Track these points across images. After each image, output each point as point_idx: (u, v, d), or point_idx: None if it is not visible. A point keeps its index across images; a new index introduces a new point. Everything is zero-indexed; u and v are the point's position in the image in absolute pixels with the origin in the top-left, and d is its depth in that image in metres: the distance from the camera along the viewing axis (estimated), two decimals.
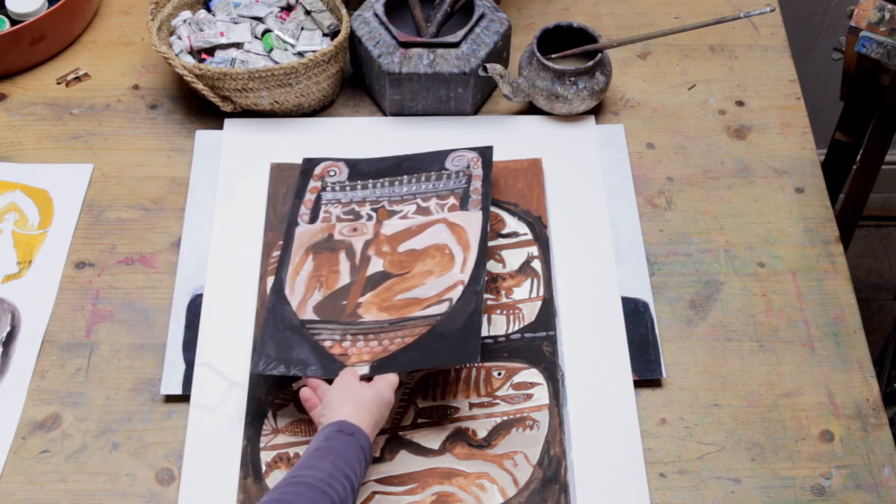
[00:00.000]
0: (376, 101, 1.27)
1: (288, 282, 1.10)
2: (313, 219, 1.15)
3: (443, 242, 1.11)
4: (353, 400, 0.95)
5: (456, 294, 1.06)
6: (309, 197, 1.17)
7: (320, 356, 1.03)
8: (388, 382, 0.98)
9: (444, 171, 1.18)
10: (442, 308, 1.05)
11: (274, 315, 1.07)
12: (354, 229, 1.14)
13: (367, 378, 0.99)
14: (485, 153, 1.19)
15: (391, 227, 1.14)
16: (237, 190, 1.19)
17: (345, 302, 1.08)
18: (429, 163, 1.19)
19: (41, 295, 1.10)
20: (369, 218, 1.15)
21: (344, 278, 1.10)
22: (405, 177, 1.18)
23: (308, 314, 1.07)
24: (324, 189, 1.18)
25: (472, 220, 1.13)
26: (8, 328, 1.04)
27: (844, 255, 1.16)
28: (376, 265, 1.10)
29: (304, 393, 0.98)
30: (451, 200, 1.15)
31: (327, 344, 1.04)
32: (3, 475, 1.00)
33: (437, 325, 1.03)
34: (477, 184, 1.16)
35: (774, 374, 1.07)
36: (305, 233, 1.14)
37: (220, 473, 1.00)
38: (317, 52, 1.19)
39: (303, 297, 1.08)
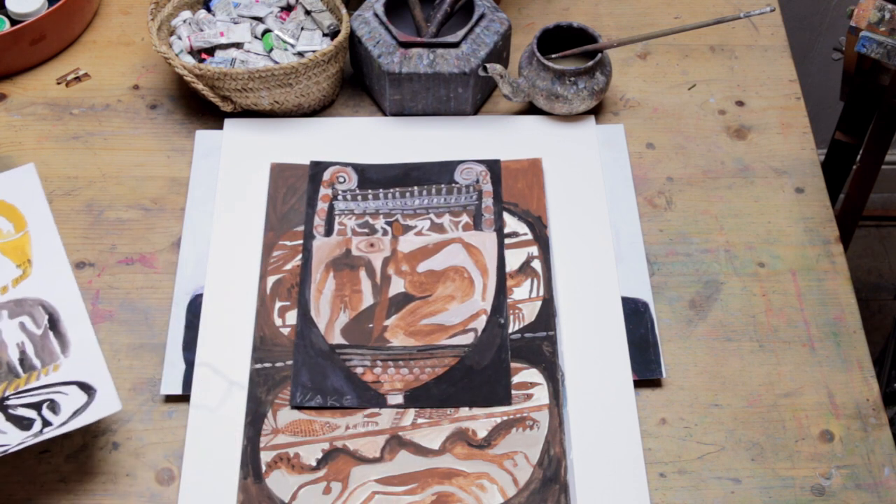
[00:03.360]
0: (376, 101, 1.28)
1: (312, 302, 1.10)
2: (329, 231, 1.15)
3: (461, 265, 1.13)
4: None
5: (480, 324, 1.08)
6: (321, 206, 1.17)
7: (354, 384, 1.04)
8: None
9: (454, 185, 1.19)
10: (468, 339, 1.07)
11: (304, 340, 1.07)
12: (371, 245, 1.14)
13: None
14: (493, 167, 1.19)
15: (407, 243, 1.14)
16: (237, 190, 1.19)
17: (371, 325, 1.08)
18: (437, 174, 1.20)
19: (58, 281, 1.07)
20: (384, 232, 1.15)
21: (367, 299, 1.10)
22: (415, 188, 1.19)
23: (336, 338, 1.07)
24: (335, 198, 1.18)
25: (487, 242, 1.14)
26: (46, 316, 1.04)
27: (844, 255, 1.16)
28: (397, 285, 1.11)
29: None
30: (465, 218, 1.16)
31: (359, 371, 1.05)
32: (3, 475, 1.00)
33: (466, 357, 1.06)
34: (488, 201, 1.17)
35: (774, 374, 1.07)
36: (323, 247, 1.14)
37: (220, 473, 1.00)
38: (317, 52, 1.19)
39: (329, 320, 1.09)
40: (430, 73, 1.20)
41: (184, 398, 1.05)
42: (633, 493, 0.99)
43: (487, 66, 1.19)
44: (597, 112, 1.27)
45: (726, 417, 1.04)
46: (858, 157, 1.42)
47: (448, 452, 1.01)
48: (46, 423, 0.96)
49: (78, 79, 1.30)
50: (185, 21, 1.27)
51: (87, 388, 0.98)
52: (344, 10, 1.24)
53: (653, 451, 1.02)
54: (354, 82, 1.30)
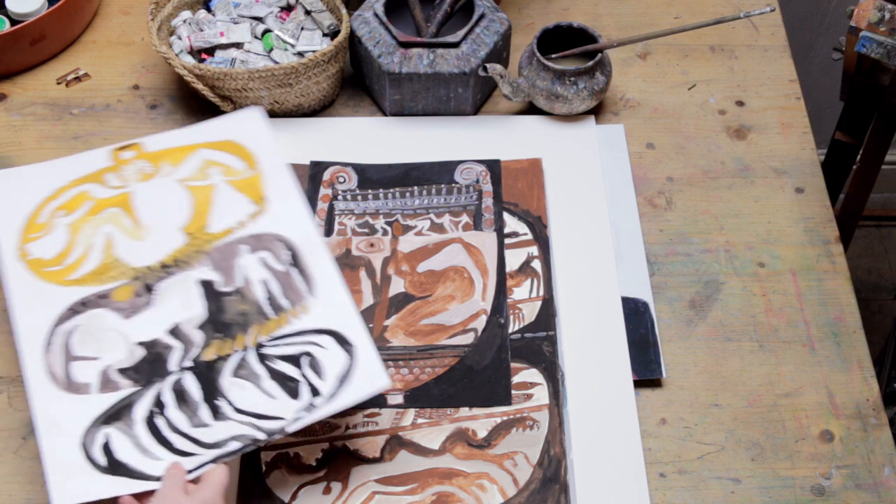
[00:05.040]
0: (376, 101, 1.27)
1: None
2: (328, 231, 1.15)
3: (460, 265, 1.13)
4: None
5: (480, 324, 1.09)
6: (321, 206, 1.17)
7: None
8: (213, 484, 0.89)
9: (454, 185, 1.19)
10: (468, 339, 1.08)
11: None
12: (371, 245, 1.14)
13: (193, 480, 0.92)
14: (493, 167, 1.19)
15: (408, 243, 1.14)
16: None
17: (371, 325, 1.09)
18: (437, 174, 1.20)
19: (294, 217, 1.07)
20: (384, 232, 1.15)
21: (367, 299, 1.11)
22: (415, 188, 1.19)
23: None
24: (335, 198, 1.18)
25: (487, 242, 1.14)
26: (289, 252, 1.03)
27: (844, 255, 1.16)
28: (397, 285, 1.12)
29: (125, 502, 0.90)
30: (465, 218, 1.16)
31: None
32: (3, 475, 1.00)
33: (466, 357, 1.07)
34: (488, 201, 1.17)
35: (774, 374, 1.07)
36: None
37: None
38: (317, 52, 1.19)
39: None
40: (430, 73, 1.20)
41: None
42: (633, 493, 0.99)
43: (487, 66, 1.19)
44: (597, 112, 1.27)
45: (726, 417, 1.04)
46: (858, 157, 1.42)
47: (448, 452, 1.01)
48: (315, 392, 0.95)
49: (78, 79, 1.30)
50: (185, 21, 1.27)
51: (342, 341, 0.98)
52: (344, 10, 1.24)
53: (653, 451, 1.02)
54: (354, 82, 1.30)
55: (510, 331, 1.08)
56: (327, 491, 0.99)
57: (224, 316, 1.01)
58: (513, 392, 1.05)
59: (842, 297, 1.13)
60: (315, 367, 0.97)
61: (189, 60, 1.24)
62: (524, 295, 1.11)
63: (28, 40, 1.27)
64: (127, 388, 0.97)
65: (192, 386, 0.97)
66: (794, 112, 1.28)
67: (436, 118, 1.25)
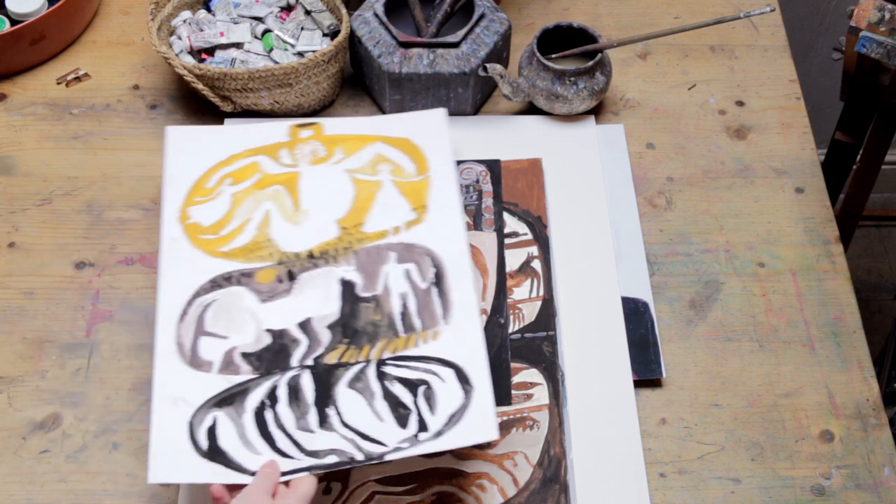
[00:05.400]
0: (376, 101, 1.27)
1: None
2: None
3: None
4: None
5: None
6: None
7: None
8: (300, 495, 0.87)
9: None
10: None
11: None
12: None
13: (284, 482, 0.90)
14: (493, 167, 1.19)
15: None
16: None
17: None
18: None
19: (449, 234, 1.05)
20: None
21: None
22: None
23: None
24: None
25: (487, 242, 1.14)
26: (434, 270, 1.01)
27: (844, 255, 1.16)
28: None
29: (215, 491, 0.88)
30: (465, 218, 1.16)
31: None
32: (3, 475, 1.00)
33: None
34: (488, 201, 1.16)
35: (774, 374, 1.07)
36: None
37: None
38: (317, 52, 1.19)
39: None
40: (430, 73, 1.20)
41: None
42: (633, 493, 0.99)
43: (487, 66, 1.19)
44: (597, 112, 1.27)
45: (726, 417, 1.05)
46: (858, 157, 1.42)
47: (448, 452, 1.01)
48: (422, 426, 0.93)
49: (78, 79, 1.30)
50: (185, 21, 1.27)
51: (463, 380, 0.95)
52: (344, 10, 1.24)
53: (653, 451, 1.02)
54: (354, 82, 1.30)
55: (510, 331, 1.08)
56: (327, 491, 0.99)
57: (356, 322, 0.99)
58: (513, 392, 1.04)
59: (842, 297, 1.13)
60: (429, 398, 0.94)
61: (189, 60, 1.24)
62: (524, 295, 1.11)
63: (28, 40, 1.27)
64: (246, 373, 0.96)
65: (308, 386, 0.95)
66: (794, 112, 1.28)
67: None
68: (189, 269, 1.02)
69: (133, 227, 1.17)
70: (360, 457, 0.91)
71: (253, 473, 0.90)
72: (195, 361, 0.96)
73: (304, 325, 0.99)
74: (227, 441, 0.92)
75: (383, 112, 1.26)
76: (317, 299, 1.00)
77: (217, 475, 0.90)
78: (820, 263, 1.15)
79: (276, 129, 1.13)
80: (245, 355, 0.97)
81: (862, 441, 1.03)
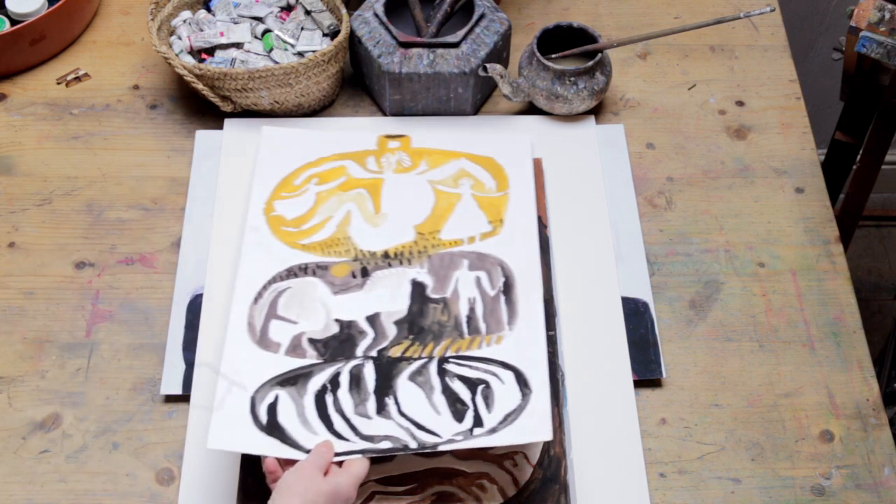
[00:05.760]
0: (376, 101, 1.27)
1: None
2: None
3: None
4: (304, 491, 0.87)
5: None
6: None
7: None
8: (351, 475, 0.91)
9: None
10: None
11: None
12: None
13: (337, 463, 0.93)
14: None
15: None
16: (237, 190, 1.19)
17: None
18: None
19: (522, 248, 1.10)
20: None
21: None
22: None
23: None
24: None
25: None
26: (503, 278, 1.06)
27: (844, 255, 1.16)
28: None
29: (269, 464, 0.92)
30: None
31: None
32: (3, 475, 1.00)
33: None
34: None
35: (774, 374, 1.07)
36: None
37: (220, 473, 1.00)
38: (317, 52, 1.19)
39: None
40: (430, 73, 1.20)
41: (184, 398, 1.05)
42: (633, 493, 0.99)
43: (487, 66, 1.19)
44: (597, 112, 1.27)
45: (726, 417, 1.04)
46: (858, 157, 1.42)
47: (448, 452, 1.01)
48: (477, 422, 0.96)
49: (78, 79, 1.30)
50: (185, 21, 1.27)
51: (523, 383, 0.99)
52: (344, 10, 1.24)
53: (653, 451, 1.02)
54: (354, 82, 1.30)
55: None
56: None
57: (423, 320, 1.04)
58: None
59: (842, 297, 1.13)
60: (487, 397, 0.98)
61: (189, 60, 1.24)
62: None
63: (28, 40, 1.27)
64: (312, 358, 1.00)
65: (370, 376, 1.00)
66: (794, 112, 1.28)
67: (436, 118, 1.25)
68: (267, 256, 1.08)
69: (133, 227, 1.17)
70: (413, 444, 0.95)
71: (308, 451, 0.93)
72: (264, 342, 1.01)
73: (372, 319, 1.04)
74: (287, 418, 0.96)
75: (384, 112, 1.26)
76: (387, 296, 1.05)
77: (273, 449, 0.94)
78: (820, 263, 1.15)
79: (366, 138, 1.20)
80: (312, 341, 1.02)
81: (862, 441, 1.03)
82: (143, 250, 1.15)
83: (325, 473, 0.91)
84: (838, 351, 1.09)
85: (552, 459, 1.00)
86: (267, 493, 0.98)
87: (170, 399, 1.05)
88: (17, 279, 1.13)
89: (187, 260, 1.14)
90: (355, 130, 1.22)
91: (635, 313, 1.10)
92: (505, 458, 1.01)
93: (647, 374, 1.06)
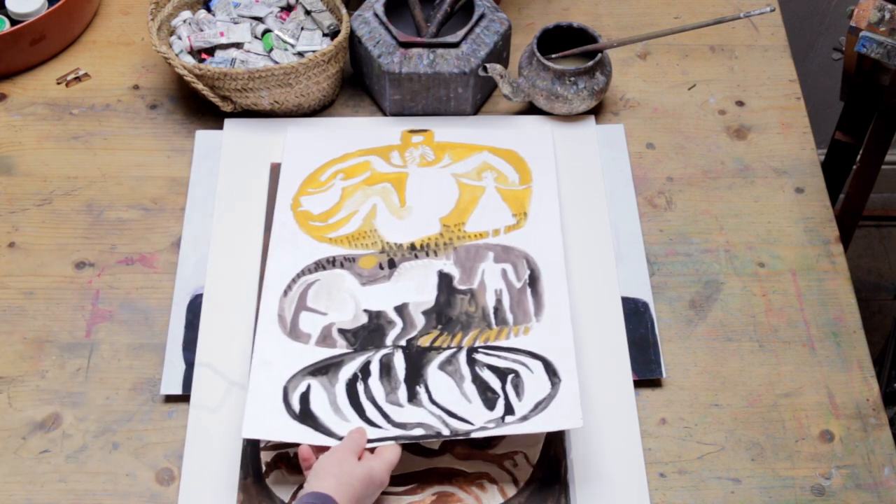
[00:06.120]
0: (376, 101, 1.27)
1: None
2: None
3: None
4: (339, 473, 0.90)
5: None
6: None
7: None
8: (384, 460, 0.93)
9: None
10: None
11: None
12: None
13: (369, 449, 0.95)
14: None
15: None
16: (237, 190, 1.19)
17: None
18: None
19: (546, 242, 1.11)
20: None
21: None
22: None
23: None
24: None
25: None
26: (528, 270, 1.07)
27: (844, 255, 1.16)
28: None
29: (303, 452, 0.94)
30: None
31: None
32: (3, 475, 1.00)
33: None
34: None
35: (774, 374, 1.07)
36: None
37: (220, 473, 1.00)
38: (317, 52, 1.19)
39: None
40: (430, 73, 1.20)
41: (184, 398, 1.05)
42: (633, 493, 0.99)
43: (487, 66, 1.19)
44: (597, 112, 1.27)
45: (726, 417, 1.04)
46: (858, 157, 1.42)
47: (448, 452, 1.01)
48: (509, 410, 0.98)
49: (78, 79, 1.30)
50: (185, 21, 1.27)
51: (552, 372, 1.00)
52: (344, 10, 1.24)
53: (653, 451, 1.02)
54: (354, 82, 1.30)
55: None
56: None
57: (451, 311, 1.05)
58: None
59: (842, 297, 1.13)
60: (517, 386, 1.00)
61: (189, 60, 1.24)
62: None
63: (28, 40, 1.27)
64: (342, 348, 1.02)
65: (400, 364, 1.01)
66: (794, 112, 1.28)
67: (436, 118, 1.25)
68: (296, 250, 1.10)
69: (133, 227, 1.17)
70: (445, 431, 0.96)
71: (340, 438, 0.95)
72: (294, 333, 1.03)
73: (401, 309, 1.05)
74: (319, 407, 0.98)
75: (384, 112, 1.26)
76: (414, 287, 1.07)
77: (306, 436, 0.96)
78: (820, 263, 1.15)
79: (390, 133, 1.21)
80: (342, 331, 1.04)
81: (862, 441, 1.03)
82: (143, 250, 1.15)
83: (359, 459, 0.93)
84: (838, 351, 1.09)
85: (552, 459, 1.00)
86: (267, 493, 0.99)
87: (170, 399, 1.05)
88: (17, 279, 1.13)
89: (187, 260, 1.14)
90: (380, 126, 1.24)
91: (635, 313, 1.10)
92: (505, 458, 1.01)
93: (647, 374, 1.06)
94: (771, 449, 1.03)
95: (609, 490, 0.99)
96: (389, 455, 0.94)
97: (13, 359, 1.07)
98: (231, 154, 1.22)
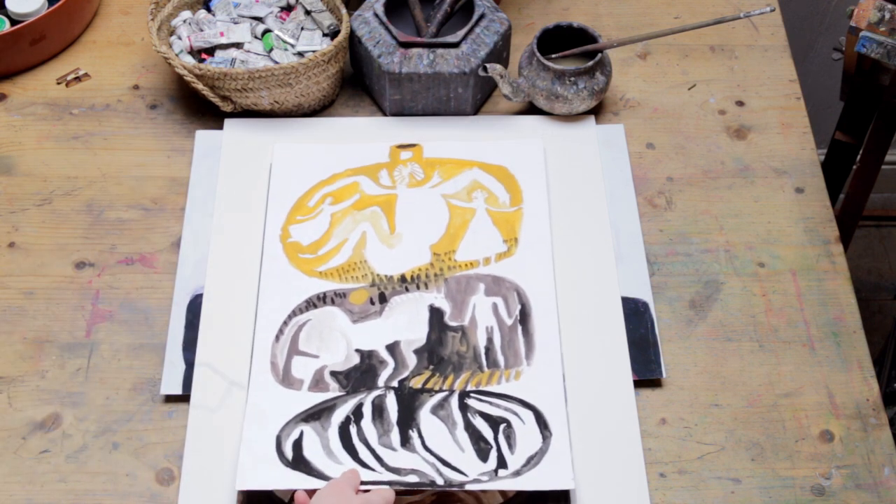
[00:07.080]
0: (376, 101, 1.27)
1: None
2: None
3: None
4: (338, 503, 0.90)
5: None
6: None
7: None
8: (382, 497, 0.92)
9: None
10: None
11: None
12: None
13: (363, 490, 0.95)
14: None
15: None
16: (237, 190, 1.19)
17: None
18: None
19: (537, 271, 1.10)
20: None
21: None
22: None
23: None
24: None
25: None
26: (519, 305, 1.05)
27: (844, 255, 1.16)
28: None
29: (300, 497, 0.93)
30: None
31: None
32: (3, 475, 1.00)
33: None
34: None
35: (774, 374, 1.07)
36: None
37: (220, 473, 1.00)
38: (317, 52, 1.19)
39: None
40: (430, 73, 1.20)
41: (184, 398, 1.05)
42: (633, 493, 0.99)
43: (487, 66, 1.19)
44: (597, 112, 1.27)
45: (726, 417, 1.04)
46: (858, 157, 1.42)
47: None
48: (501, 463, 0.97)
49: (78, 79, 1.30)
50: (185, 21, 1.27)
51: (542, 425, 1.00)
52: (344, 10, 1.24)
53: (653, 451, 1.02)
54: (354, 82, 1.30)
55: None
56: None
57: (442, 350, 1.04)
58: None
59: (842, 297, 1.13)
60: (509, 437, 0.99)
61: (189, 60, 1.24)
62: None
63: (28, 40, 1.27)
64: (334, 391, 1.01)
65: (392, 406, 1.00)
66: (794, 112, 1.28)
67: (436, 118, 1.25)
68: (286, 288, 1.08)
69: (133, 227, 1.17)
70: (440, 481, 0.95)
71: None
72: (287, 380, 1.02)
73: (392, 348, 1.04)
74: (312, 452, 0.97)
75: (384, 112, 1.26)
76: (405, 323, 1.06)
77: (299, 482, 0.95)
78: (820, 263, 1.15)
79: (377, 150, 1.20)
80: (334, 374, 1.02)
81: (862, 441, 1.03)
82: (143, 250, 1.15)
83: (355, 493, 0.92)
84: (838, 351, 1.09)
85: None
86: (267, 493, 0.98)
87: (170, 399, 1.05)
88: (17, 279, 1.13)
89: (187, 260, 1.14)
90: (365, 140, 1.22)
91: (635, 313, 1.10)
92: None
93: (647, 374, 1.06)
94: (771, 449, 1.03)
95: (609, 490, 0.99)
96: (387, 495, 0.93)
97: (13, 359, 1.07)
98: (231, 154, 1.22)
